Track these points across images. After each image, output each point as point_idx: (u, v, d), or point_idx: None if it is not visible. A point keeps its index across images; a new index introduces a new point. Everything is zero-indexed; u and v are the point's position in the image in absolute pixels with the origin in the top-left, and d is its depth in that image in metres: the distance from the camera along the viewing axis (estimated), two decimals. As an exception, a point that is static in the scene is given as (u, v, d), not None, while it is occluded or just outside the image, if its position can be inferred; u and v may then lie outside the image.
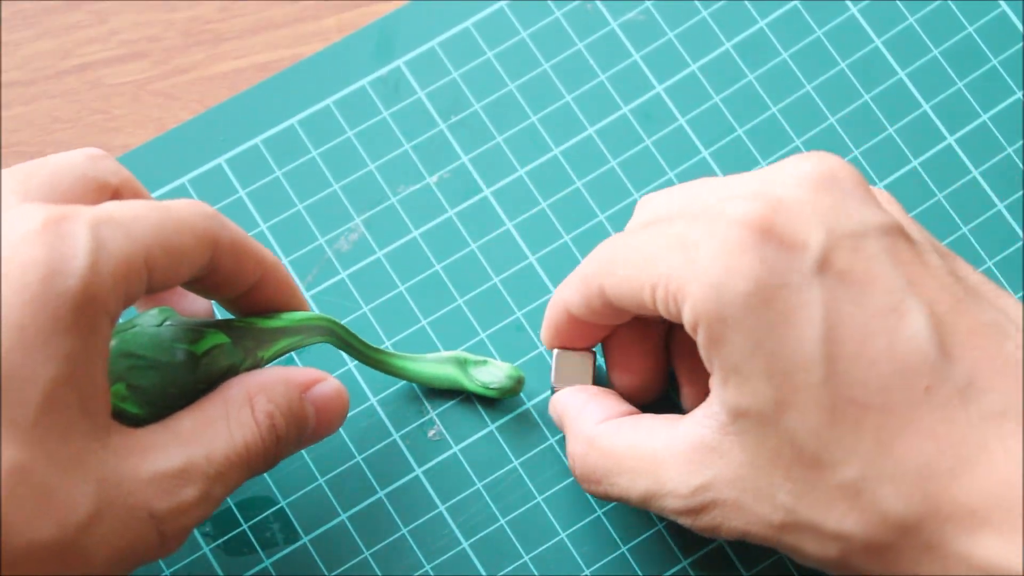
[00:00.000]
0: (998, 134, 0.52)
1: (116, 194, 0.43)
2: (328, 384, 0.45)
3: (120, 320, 0.43)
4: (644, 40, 0.53)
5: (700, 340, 0.41)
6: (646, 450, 0.43)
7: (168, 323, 0.43)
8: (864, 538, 0.40)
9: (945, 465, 0.39)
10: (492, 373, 0.49)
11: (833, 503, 0.40)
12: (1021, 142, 0.52)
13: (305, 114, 0.52)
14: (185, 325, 0.44)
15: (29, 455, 0.38)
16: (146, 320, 0.44)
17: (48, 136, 0.53)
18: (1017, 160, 0.52)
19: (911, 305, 0.40)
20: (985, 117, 0.52)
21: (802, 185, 0.41)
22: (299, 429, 0.44)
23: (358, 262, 0.51)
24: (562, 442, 0.49)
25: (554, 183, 0.52)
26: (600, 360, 0.49)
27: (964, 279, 0.41)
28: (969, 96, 0.52)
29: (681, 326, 0.45)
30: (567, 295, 0.46)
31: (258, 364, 0.45)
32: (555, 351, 0.48)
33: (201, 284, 0.43)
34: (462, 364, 0.49)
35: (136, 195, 0.44)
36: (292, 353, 0.49)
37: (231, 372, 0.44)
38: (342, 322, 0.50)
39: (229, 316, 0.46)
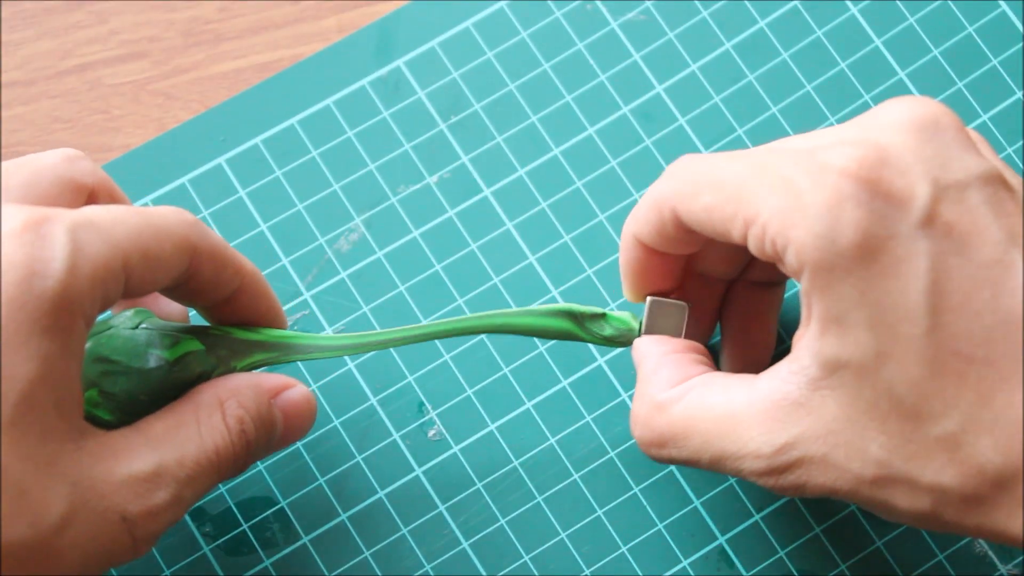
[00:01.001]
0: (998, 134, 0.52)
1: (92, 195, 0.44)
2: (296, 391, 0.45)
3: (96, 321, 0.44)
4: (644, 40, 0.53)
5: (804, 286, 0.40)
6: (722, 411, 0.42)
7: (143, 326, 0.43)
8: (961, 491, 0.39)
9: None
10: (614, 326, 0.47)
11: (931, 456, 0.39)
12: (1021, 142, 0.52)
13: (305, 114, 0.52)
14: (160, 330, 0.44)
15: (5, 455, 0.38)
16: (121, 322, 0.43)
17: (48, 136, 0.53)
18: (1017, 160, 0.52)
19: (1015, 257, 0.39)
20: (985, 117, 0.52)
21: (904, 132, 0.41)
22: (268, 434, 0.44)
23: (358, 262, 0.51)
24: (561, 442, 0.49)
25: (554, 183, 0.52)
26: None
27: None
28: (969, 96, 0.52)
29: (740, 289, 0.47)
30: (638, 225, 0.45)
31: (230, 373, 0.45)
32: (648, 298, 0.46)
33: (179, 291, 0.44)
34: (578, 318, 0.47)
35: (112, 196, 0.44)
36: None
37: (203, 379, 0.44)
38: (342, 322, 0.50)
39: (207, 324, 0.46)
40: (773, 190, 0.41)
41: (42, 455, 0.38)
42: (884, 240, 0.39)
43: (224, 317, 0.45)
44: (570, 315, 0.47)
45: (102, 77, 0.53)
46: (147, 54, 0.53)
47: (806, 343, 0.41)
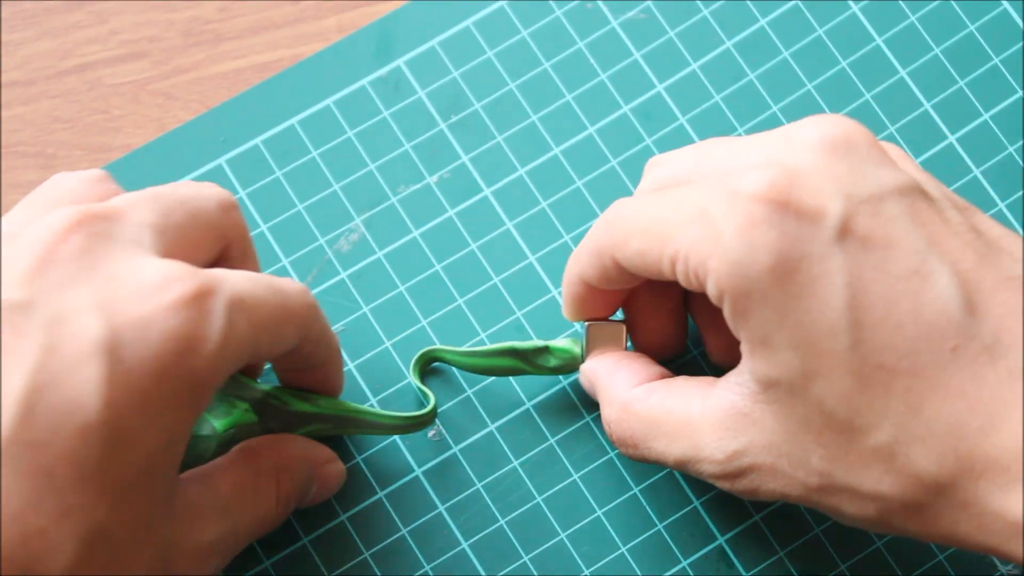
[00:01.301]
0: (999, 133, 0.52)
1: (228, 247, 0.44)
2: (335, 467, 0.47)
3: None
4: (645, 39, 0.53)
5: (726, 313, 0.41)
6: (681, 415, 0.43)
7: None
8: (901, 499, 0.40)
9: (976, 423, 0.39)
10: (558, 356, 0.48)
11: (868, 466, 0.40)
12: (1022, 141, 0.52)
13: (305, 114, 0.52)
14: (221, 390, 0.44)
15: (114, 517, 0.38)
16: None
17: (48, 136, 0.53)
18: (1018, 159, 0.52)
19: (934, 266, 0.39)
20: (986, 116, 0.52)
21: (816, 151, 0.41)
22: (299, 500, 0.46)
23: (358, 262, 0.51)
24: (562, 442, 0.49)
25: (554, 183, 0.52)
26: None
27: (984, 233, 0.41)
28: (970, 95, 0.52)
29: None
30: (582, 268, 0.45)
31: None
32: (586, 323, 0.47)
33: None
34: (521, 355, 0.48)
35: (244, 253, 0.45)
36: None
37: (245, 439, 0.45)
38: (342, 323, 0.50)
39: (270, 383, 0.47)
40: (691, 223, 0.41)
41: (142, 518, 0.39)
42: (799, 260, 0.39)
43: (293, 379, 0.46)
44: (514, 353, 0.48)
45: (102, 77, 0.53)
46: (147, 54, 0.53)
47: (743, 360, 0.41)
